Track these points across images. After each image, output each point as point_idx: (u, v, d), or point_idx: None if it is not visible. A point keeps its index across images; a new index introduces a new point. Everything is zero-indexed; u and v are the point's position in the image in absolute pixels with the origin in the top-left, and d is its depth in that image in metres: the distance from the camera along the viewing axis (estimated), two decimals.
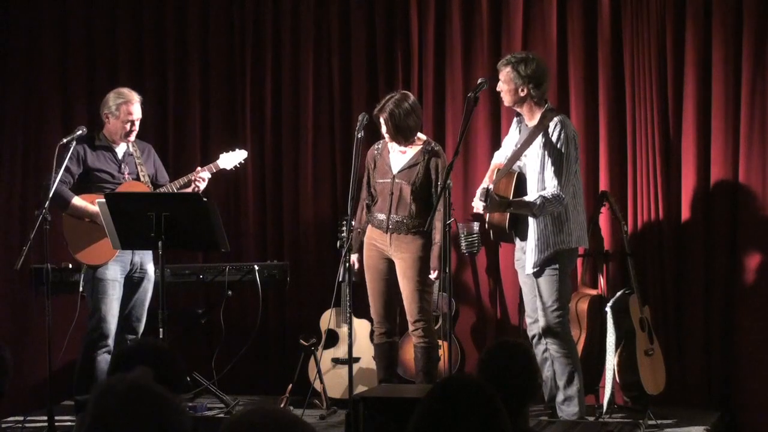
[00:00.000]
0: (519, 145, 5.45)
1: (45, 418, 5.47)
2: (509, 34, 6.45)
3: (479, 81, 5.30)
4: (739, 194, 6.00)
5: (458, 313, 6.40)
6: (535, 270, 5.37)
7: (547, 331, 5.39)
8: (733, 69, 6.00)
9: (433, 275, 5.67)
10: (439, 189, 5.54)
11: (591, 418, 5.49)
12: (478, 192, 5.33)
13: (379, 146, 5.89)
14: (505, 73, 5.43)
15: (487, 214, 5.45)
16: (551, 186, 5.30)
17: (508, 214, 5.39)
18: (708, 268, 6.09)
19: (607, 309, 5.77)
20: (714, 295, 6.08)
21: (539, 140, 5.35)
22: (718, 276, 6.07)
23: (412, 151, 5.78)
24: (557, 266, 5.36)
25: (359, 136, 5.58)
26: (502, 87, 5.46)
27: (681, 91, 6.12)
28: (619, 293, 5.85)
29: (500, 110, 6.45)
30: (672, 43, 6.12)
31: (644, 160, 6.16)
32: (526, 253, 5.40)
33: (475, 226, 6.41)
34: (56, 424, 5.46)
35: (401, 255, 5.71)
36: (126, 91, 5.82)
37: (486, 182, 5.49)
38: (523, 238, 5.44)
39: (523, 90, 5.39)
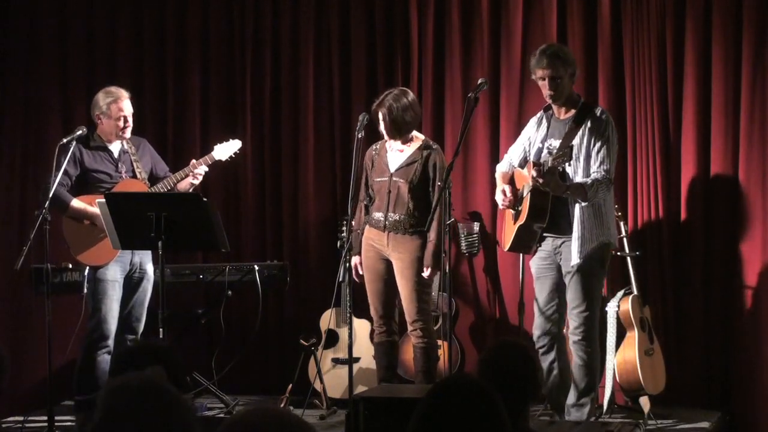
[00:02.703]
0: (562, 139, 5.24)
1: (45, 418, 5.47)
2: (509, 34, 6.45)
3: (479, 81, 5.26)
4: (739, 193, 5.99)
5: (458, 313, 6.39)
6: (580, 262, 5.17)
7: (573, 335, 5.27)
8: (733, 69, 5.99)
9: (425, 273, 5.65)
10: (438, 189, 5.53)
11: (591, 418, 5.48)
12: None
13: (377, 146, 5.88)
14: (554, 64, 5.18)
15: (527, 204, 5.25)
16: (600, 170, 5.15)
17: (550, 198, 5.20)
18: (708, 268, 6.09)
19: (608, 309, 5.78)
20: (714, 294, 6.08)
21: (584, 128, 5.20)
22: (718, 275, 6.07)
23: (409, 149, 5.77)
24: (595, 266, 5.22)
25: (359, 136, 5.58)
26: (553, 82, 5.19)
27: (681, 91, 6.12)
28: (619, 293, 5.86)
29: (500, 110, 6.45)
30: (672, 43, 6.12)
31: (644, 160, 6.15)
32: (571, 246, 5.17)
33: (476, 226, 6.41)
34: (56, 424, 5.46)
35: (399, 255, 5.71)
36: (113, 89, 5.81)
37: (500, 185, 5.43)
38: (561, 232, 5.24)
39: (572, 76, 5.25)
